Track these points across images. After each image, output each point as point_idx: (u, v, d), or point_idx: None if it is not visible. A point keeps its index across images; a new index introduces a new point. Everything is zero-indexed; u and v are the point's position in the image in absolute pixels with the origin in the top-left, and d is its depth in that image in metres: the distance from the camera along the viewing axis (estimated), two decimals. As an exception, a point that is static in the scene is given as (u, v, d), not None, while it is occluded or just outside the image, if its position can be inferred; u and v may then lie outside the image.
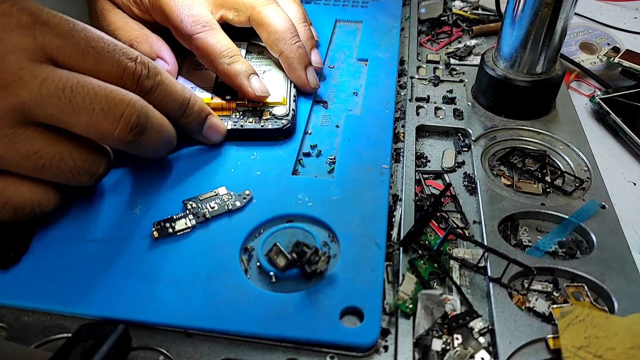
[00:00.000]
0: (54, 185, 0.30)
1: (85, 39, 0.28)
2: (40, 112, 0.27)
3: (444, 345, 0.26)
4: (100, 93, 0.28)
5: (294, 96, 0.41)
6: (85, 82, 0.28)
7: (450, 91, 0.44)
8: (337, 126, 0.40)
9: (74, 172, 0.29)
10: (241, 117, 0.38)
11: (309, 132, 0.40)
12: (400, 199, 0.34)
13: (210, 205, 0.32)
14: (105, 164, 0.31)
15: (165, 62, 0.40)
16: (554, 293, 0.29)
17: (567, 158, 0.38)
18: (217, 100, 0.39)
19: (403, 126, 0.41)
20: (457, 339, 0.27)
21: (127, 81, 0.30)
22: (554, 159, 0.38)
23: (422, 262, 0.30)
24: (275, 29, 0.40)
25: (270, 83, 0.41)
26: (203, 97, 0.39)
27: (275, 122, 0.38)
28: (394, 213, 0.34)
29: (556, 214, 0.33)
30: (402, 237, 0.31)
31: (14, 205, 0.28)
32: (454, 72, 0.47)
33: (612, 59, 0.47)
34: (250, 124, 0.38)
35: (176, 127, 0.34)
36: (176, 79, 0.39)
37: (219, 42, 0.39)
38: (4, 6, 0.27)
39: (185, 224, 0.31)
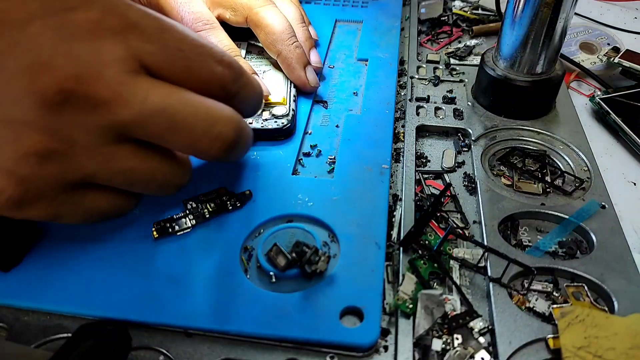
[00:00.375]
0: None
1: (174, 40, 0.26)
2: (139, 131, 0.25)
3: (444, 345, 0.26)
4: (201, 111, 0.26)
5: (294, 96, 0.41)
6: (185, 99, 0.26)
7: (450, 91, 0.44)
8: (337, 126, 0.40)
9: (162, 186, 0.29)
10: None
11: (309, 132, 0.40)
12: (400, 199, 0.34)
13: (210, 205, 0.32)
14: (189, 174, 0.30)
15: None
16: (554, 293, 0.29)
17: (567, 158, 0.38)
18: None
19: (403, 126, 0.41)
20: (457, 339, 0.27)
21: (214, 87, 0.28)
22: (554, 159, 0.38)
23: (422, 262, 0.30)
24: (272, 30, 0.41)
25: (270, 83, 0.41)
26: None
27: (275, 122, 0.38)
28: (394, 213, 0.34)
29: (556, 214, 0.33)
30: (402, 237, 0.31)
31: (100, 212, 0.28)
32: (454, 72, 0.47)
33: (612, 59, 0.47)
34: (250, 124, 0.38)
35: None
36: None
37: (220, 41, 0.39)
38: (92, 12, 0.24)
39: (185, 224, 0.31)
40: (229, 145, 0.28)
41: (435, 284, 0.30)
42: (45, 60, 0.23)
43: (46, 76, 0.23)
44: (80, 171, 0.25)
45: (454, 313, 0.28)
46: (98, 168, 0.26)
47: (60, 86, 0.23)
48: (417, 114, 0.42)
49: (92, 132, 0.24)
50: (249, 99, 0.31)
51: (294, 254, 0.28)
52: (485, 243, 0.31)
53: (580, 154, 0.38)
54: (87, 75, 0.23)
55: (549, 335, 0.26)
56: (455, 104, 0.43)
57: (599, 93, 0.44)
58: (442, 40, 0.53)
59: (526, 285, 0.29)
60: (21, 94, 0.23)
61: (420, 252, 0.31)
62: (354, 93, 0.44)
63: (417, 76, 0.46)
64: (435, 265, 0.30)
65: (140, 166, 0.27)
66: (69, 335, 0.26)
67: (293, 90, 0.41)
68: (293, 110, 0.39)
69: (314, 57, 0.44)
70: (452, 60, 0.48)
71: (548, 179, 0.36)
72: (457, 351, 0.26)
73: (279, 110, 0.39)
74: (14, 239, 0.30)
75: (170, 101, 0.25)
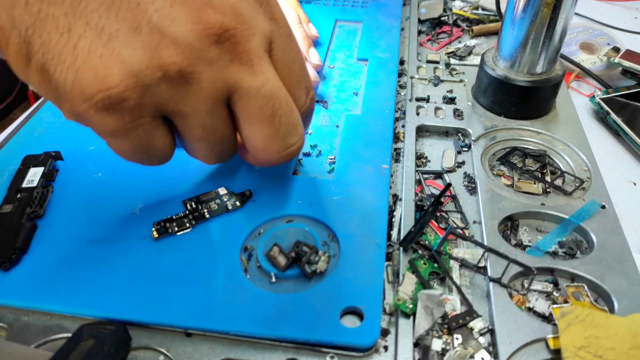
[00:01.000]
0: None
1: (292, 51, 0.29)
2: (242, 103, 0.26)
3: (444, 345, 0.26)
4: (293, 115, 0.28)
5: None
6: (287, 99, 0.28)
7: (450, 91, 0.44)
8: (337, 126, 0.40)
9: (215, 156, 0.30)
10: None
11: (309, 132, 0.40)
12: (400, 199, 0.34)
13: (210, 205, 0.32)
14: (230, 155, 0.31)
15: None
16: (554, 293, 0.29)
17: (567, 158, 0.38)
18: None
19: (403, 126, 0.41)
20: (457, 339, 0.27)
21: (301, 100, 0.30)
22: (554, 159, 0.38)
23: (422, 262, 0.30)
24: None
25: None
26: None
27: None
28: (394, 213, 0.34)
29: (556, 214, 0.33)
30: (402, 237, 0.31)
31: (152, 150, 0.27)
32: (454, 72, 0.47)
33: (612, 59, 0.47)
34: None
35: None
36: None
37: None
38: None
39: (185, 224, 0.31)
40: (290, 157, 0.29)
41: (435, 284, 0.30)
42: (215, 2, 0.24)
43: (212, 12, 0.24)
44: (180, 107, 0.26)
45: (454, 313, 0.28)
46: (195, 112, 0.26)
47: (222, 25, 0.24)
48: (417, 114, 0.42)
49: (216, 80, 0.25)
50: (305, 128, 0.33)
51: (293, 254, 0.28)
52: (485, 243, 0.31)
53: (580, 154, 0.38)
54: (242, 32, 0.25)
55: (549, 335, 0.26)
56: (455, 104, 0.43)
57: (599, 93, 0.44)
58: (442, 40, 0.53)
59: (526, 285, 0.29)
60: (184, 14, 0.24)
61: (420, 252, 0.31)
62: (354, 93, 0.44)
63: (417, 76, 0.46)
64: (435, 265, 0.30)
65: (221, 130, 0.28)
66: (69, 335, 0.26)
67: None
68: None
69: (313, 56, 0.44)
70: (452, 60, 0.48)
71: (548, 179, 0.36)
72: (457, 351, 0.26)
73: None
74: (13, 238, 0.30)
75: (280, 94, 0.27)
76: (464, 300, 0.28)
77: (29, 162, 0.36)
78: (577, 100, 0.46)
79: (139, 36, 0.23)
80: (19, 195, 0.33)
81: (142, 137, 0.26)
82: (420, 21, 0.55)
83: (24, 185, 0.34)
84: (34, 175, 0.35)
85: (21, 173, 0.35)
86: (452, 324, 0.27)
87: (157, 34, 0.23)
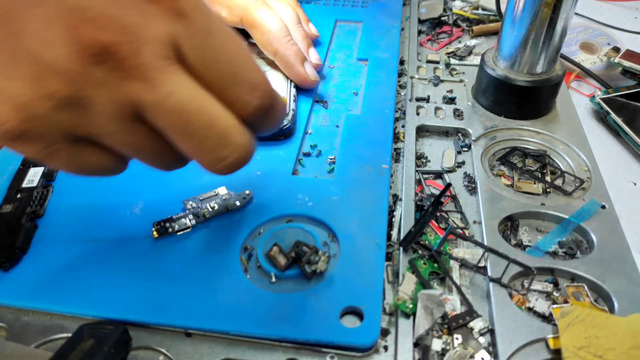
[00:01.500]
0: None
1: (216, 48, 0.25)
2: (153, 118, 0.25)
3: (444, 345, 0.26)
4: (216, 128, 0.25)
5: (294, 96, 0.41)
6: (207, 109, 0.25)
7: (450, 91, 0.44)
8: (337, 126, 0.40)
9: (164, 166, 0.28)
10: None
11: (309, 132, 0.40)
12: (400, 199, 0.34)
13: (210, 205, 0.32)
14: (179, 164, 0.29)
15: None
16: (554, 293, 0.29)
17: (567, 158, 0.38)
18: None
19: (403, 126, 0.41)
20: (457, 339, 0.27)
21: (236, 110, 0.26)
22: (554, 159, 0.38)
23: (422, 262, 0.30)
24: (268, 29, 0.41)
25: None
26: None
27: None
28: (394, 213, 0.34)
29: (556, 214, 0.33)
30: (402, 237, 0.31)
31: (92, 169, 0.27)
32: (454, 72, 0.47)
33: (612, 59, 0.47)
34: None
35: None
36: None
37: None
38: None
39: (185, 224, 0.31)
40: (229, 170, 0.27)
41: (435, 284, 0.30)
42: (92, 16, 0.22)
43: (89, 29, 0.22)
44: (89, 130, 0.25)
45: (454, 313, 0.28)
46: (107, 133, 0.25)
47: (100, 44, 0.22)
48: (417, 114, 0.42)
49: (113, 100, 0.24)
50: (269, 127, 0.30)
51: (293, 254, 0.28)
52: (485, 243, 0.31)
53: (580, 154, 0.38)
54: (127, 45, 0.23)
55: (549, 335, 0.26)
56: (455, 104, 0.43)
57: (599, 93, 0.44)
58: (442, 40, 0.53)
59: (526, 285, 0.29)
60: (59, 35, 0.22)
61: (420, 252, 0.31)
62: (354, 93, 0.44)
63: (417, 76, 0.46)
64: (435, 265, 0.30)
65: (148, 146, 0.26)
66: (69, 335, 0.26)
67: (293, 90, 0.41)
68: (293, 110, 0.39)
69: (313, 55, 0.44)
70: (452, 60, 0.48)
71: (548, 179, 0.36)
72: (457, 351, 0.26)
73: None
74: (13, 238, 0.30)
75: (191, 106, 0.25)
76: (464, 300, 0.28)
77: (29, 162, 0.36)
78: (577, 100, 0.46)
79: (19, 67, 0.22)
80: (19, 195, 0.33)
81: (70, 159, 0.25)
82: (420, 21, 0.55)
83: (24, 185, 0.34)
84: (34, 175, 0.35)
85: (21, 173, 0.35)
86: (452, 324, 0.27)
87: (35, 62, 0.22)
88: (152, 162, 0.28)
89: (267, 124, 0.29)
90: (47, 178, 0.35)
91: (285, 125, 0.38)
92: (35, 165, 0.36)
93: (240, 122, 0.27)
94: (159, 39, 0.23)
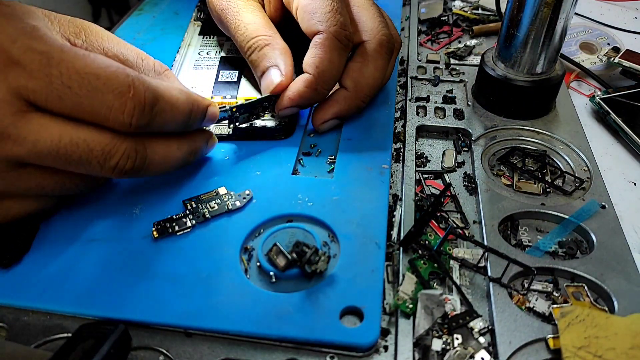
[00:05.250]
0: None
1: (62, 78, 0.25)
2: (36, 162, 0.26)
3: (444, 345, 0.26)
4: (95, 148, 0.26)
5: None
6: (79, 137, 0.26)
7: (450, 91, 0.44)
8: (337, 126, 0.40)
9: (78, 189, 0.30)
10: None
11: (310, 133, 0.40)
12: (400, 199, 0.34)
13: (210, 205, 0.32)
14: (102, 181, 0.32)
15: (280, 72, 0.36)
16: (554, 293, 0.29)
17: (567, 158, 0.38)
18: (217, 100, 0.39)
19: (403, 126, 0.41)
20: (457, 339, 0.27)
21: (116, 122, 0.27)
22: (554, 159, 0.38)
23: (422, 262, 0.30)
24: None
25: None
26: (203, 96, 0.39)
27: (275, 121, 0.38)
28: (394, 213, 0.34)
29: (556, 214, 0.33)
30: (402, 237, 0.31)
31: (17, 216, 0.29)
32: (454, 72, 0.47)
33: (612, 59, 0.47)
34: (250, 124, 0.38)
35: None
36: (286, 88, 0.36)
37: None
38: None
39: (185, 224, 0.31)
40: (126, 174, 0.28)
41: (435, 284, 0.30)
42: None
43: None
44: None
45: (454, 313, 0.28)
46: (6, 187, 0.27)
47: None
48: (417, 114, 0.42)
49: None
50: (169, 122, 0.29)
51: (294, 254, 0.28)
52: (485, 243, 0.31)
53: (580, 154, 0.38)
54: None
55: (549, 335, 0.26)
56: (455, 104, 0.43)
57: (599, 93, 0.44)
58: (442, 40, 0.53)
59: (526, 285, 0.29)
60: None
61: (420, 252, 0.31)
62: (354, 93, 0.44)
63: (417, 76, 0.46)
64: (435, 265, 0.30)
65: (48, 180, 0.28)
66: (69, 335, 0.26)
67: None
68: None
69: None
70: (452, 60, 0.48)
71: (548, 179, 0.36)
72: (457, 351, 0.26)
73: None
74: (14, 235, 0.30)
75: (62, 143, 0.26)
76: (464, 300, 0.28)
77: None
78: (577, 100, 0.46)
79: None
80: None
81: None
82: (420, 21, 0.55)
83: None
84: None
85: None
86: (452, 324, 0.27)
87: None
88: (64, 191, 0.29)
89: (162, 119, 0.29)
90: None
91: (286, 124, 0.38)
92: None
93: (124, 129, 0.27)
94: (3, 97, 0.24)
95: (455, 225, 0.33)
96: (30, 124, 0.25)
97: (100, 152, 0.27)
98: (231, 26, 0.39)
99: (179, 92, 0.30)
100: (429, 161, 0.38)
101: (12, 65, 0.24)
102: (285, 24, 0.40)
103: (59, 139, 0.26)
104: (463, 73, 0.47)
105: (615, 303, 0.28)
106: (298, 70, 0.36)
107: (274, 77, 0.36)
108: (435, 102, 0.43)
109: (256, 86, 0.41)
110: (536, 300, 0.28)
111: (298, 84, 0.36)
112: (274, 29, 0.38)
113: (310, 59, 0.35)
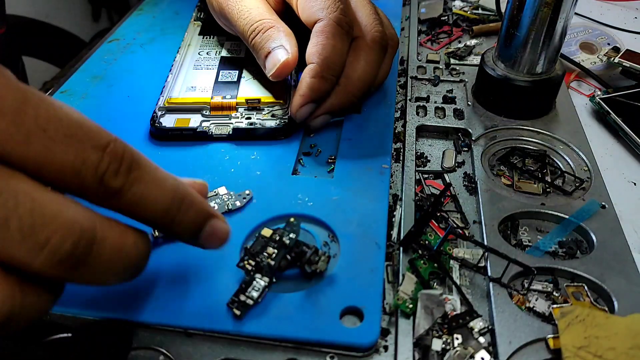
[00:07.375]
0: None
1: (38, 119, 0.21)
2: None
3: (444, 345, 0.26)
4: (24, 210, 0.20)
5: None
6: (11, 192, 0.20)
7: (450, 91, 0.44)
8: (337, 126, 0.40)
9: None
10: (241, 116, 0.38)
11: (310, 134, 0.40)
12: (400, 199, 0.34)
13: (210, 205, 0.32)
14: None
15: (286, 51, 0.36)
16: (554, 293, 0.29)
17: (567, 158, 0.38)
18: (217, 100, 0.39)
19: (403, 126, 0.41)
20: (457, 339, 0.27)
21: (86, 177, 0.22)
22: (554, 158, 0.38)
23: (422, 262, 0.30)
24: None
25: (270, 82, 0.41)
26: (203, 96, 0.39)
27: (275, 121, 0.38)
28: (394, 213, 0.34)
29: (556, 214, 0.33)
30: (402, 237, 0.31)
31: None
32: (454, 72, 0.47)
33: (612, 58, 0.47)
34: (250, 123, 0.38)
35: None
36: (293, 70, 0.36)
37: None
38: None
39: (185, 224, 0.31)
40: (61, 258, 0.21)
41: (435, 284, 0.30)
42: None
43: None
44: None
45: (454, 313, 0.28)
46: None
47: None
48: (417, 114, 0.42)
49: None
50: (146, 199, 0.24)
51: (294, 254, 0.28)
52: (485, 243, 0.31)
53: (580, 154, 0.38)
54: None
55: (549, 335, 0.26)
56: (455, 104, 0.43)
57: (599, 93, 0.44)
58: (442, 40, 0.53)
59: (526, 285, 0.29)
60: None
61: (420, 252, 0.31)
62: (354, 93, 0.44)
63: (417, 76, 0.46)
64: (435, 265, 0.30)
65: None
66: (69, 335, 0.26)
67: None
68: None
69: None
70: (452, 60, 0.48)
71: (548, 179, 0.36)
72: (457, 351, 0.26)
73: (278, 109, 0.39)
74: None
75: (24, 209, 0.20)
76: (464, 300, 0.28)
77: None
78: (577, 100, 0.46)
79: None
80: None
81: None
82: (420, 21, 0.55)
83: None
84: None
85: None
86: (452, 324, 0.27)
87: None
88: None
89: (139, 192, 0.23)
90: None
91: (285, 124, 0.38)
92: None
93: (90, 191, 0.22)
94: None
95: (455, 225, 0.33)
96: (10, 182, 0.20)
97: (28, 216, 0.20)
98: (233, 13, 0.39)
99: (171, 177, 0.25)
100: (429, 161, 0.38)
101: None
102: (285, 18, 0.40)
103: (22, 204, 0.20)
104: (463, 73, 0.47)
105: (615, 303, 0.28)
106: (300, 65, 0.36)
107: (280, 56, 0.36)
108: (435, 102, 0.43)
109: (256, 86, 0.41)
110: (536, 300, 0.28)
111: (305, 77, 0.35)
112: (277, 15, 0.38)
113: (313, 47, 0.35)
